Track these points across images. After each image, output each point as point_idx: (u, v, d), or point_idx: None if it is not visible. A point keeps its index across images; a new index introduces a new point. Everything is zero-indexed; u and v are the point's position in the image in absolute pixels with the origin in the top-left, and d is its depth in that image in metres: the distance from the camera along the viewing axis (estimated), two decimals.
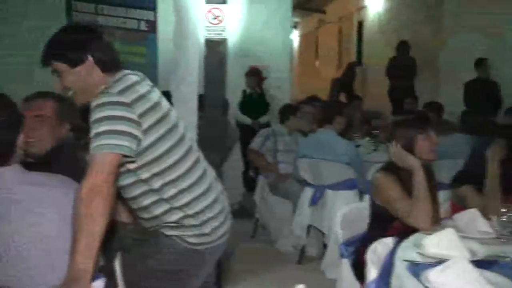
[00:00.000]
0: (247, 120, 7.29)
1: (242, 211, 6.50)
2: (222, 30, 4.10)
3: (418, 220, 2.67)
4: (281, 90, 7.82)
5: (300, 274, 4.76)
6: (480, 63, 8.17)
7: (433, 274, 1.89)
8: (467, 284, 1.81)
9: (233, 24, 7.62)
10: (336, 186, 4.72)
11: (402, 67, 9.19)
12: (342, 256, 2.95)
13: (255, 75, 7.46)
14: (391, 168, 2.91)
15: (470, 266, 1.88)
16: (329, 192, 4.78)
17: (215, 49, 4.12)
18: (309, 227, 4.98)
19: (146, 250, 2.31)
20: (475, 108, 7.52)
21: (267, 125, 6.56)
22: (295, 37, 21.26)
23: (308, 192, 4.93)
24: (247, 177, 6.79)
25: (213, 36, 4.11)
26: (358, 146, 5.64)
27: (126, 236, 2.47)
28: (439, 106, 6.60)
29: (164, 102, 2.24)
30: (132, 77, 2.17)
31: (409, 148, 2.87)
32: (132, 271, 2.28)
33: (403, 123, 2.97)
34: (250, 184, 6.70)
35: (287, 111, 5.94)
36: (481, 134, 3.37)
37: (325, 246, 4.83)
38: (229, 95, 7.62)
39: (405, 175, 2.83)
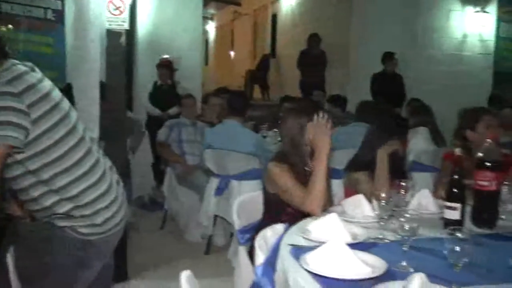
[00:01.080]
0: (156, 111, 7.28)
1: (152, 204, 6.49)
2: (124, 21, 4.04)
3: (313, 207, 2.78)
4: (192, 81, 7.84)
5: (207, 263, 4.82)
6: (387, 57, 8.48)
7: (310, 256, 1.98)
8: (341, 264, 1.91)
9: (143, 15, 7.56)
10: (241, 176, 4.79)
11: (313, 59, 9.40)
12: (239, 243, 3.03)
13: (166, 67, 7.44)
14: (282, 156, 3.00)
15: (346, 248, 1.98)
16: (234, 182, 4.85)
17: (116, 40, 4.06)
18: (216, 217, 5.04)
19: (39, 242, 2.28)
20: (381, 98, 7.79)
21: (177, 117, 6.56)
22: (211, 29, 21.23)
23: (213, 183, 4.98)
24: (157, 169, 6.77)
25: (114, 27, 4.04)
26: (265, 137, 5.76)
27: (19, 229, 2.43)
28: (343, 99, 6.87)
29: (56, 92, 2.22)
30: (20, 67, 2.14)
31: (302, 134, 2.97)
32: (25, 263, 2.25)
33: (294, 110, 3.08)
34: (161, 176, 6.70)
35: (183, 100, 6.03)
36: (374, 123, 3.52)
37: (231, 235, 4.90)
38: (140, 87, 7.57)
39: (297, 162, 2.93)
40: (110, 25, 4.01)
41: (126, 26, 4.06)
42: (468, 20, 9.61)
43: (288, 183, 2.89)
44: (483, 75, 9.76)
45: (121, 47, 4.09)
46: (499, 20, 9.93)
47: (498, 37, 9.97)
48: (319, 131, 2.89)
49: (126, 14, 4.03)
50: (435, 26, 9.45)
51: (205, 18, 19.20)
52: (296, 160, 2.97)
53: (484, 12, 9.64)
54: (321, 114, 2.93)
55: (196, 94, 7.09)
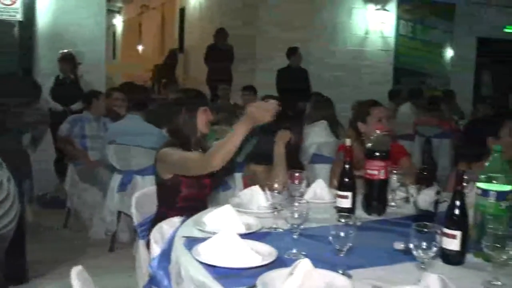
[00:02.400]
0: (58, 107, 7.05)
1: (55, 201, 6.30)
2: (16, 12, 3.91)
3: (215, 159, 2.69)
4: (96, 76, 7.66)
5: (112, 260, 4.76)
6: (291, 51, 8.65)
7: (202, 247, 2.01)
8: (232, 254, 1.95)
9: (43, 6, 7.28)
10: (144, 171, 4.75)
11: (220, 54, 9.42)
12: (138, 237, 3.01)
13: (68, 60, 7.21)
14: (173, 143, 3.02)
15: (237, 238, 2.02)
16: (137, 178, 4.81)
17: (8, 31, 3.91)
18: (120, 213, 4.97)
19: None
20: (286, 93, 7.93)
21: (81, 112, 6.40)
22: (118, 22, 20.82)
23: (117, 178, 4.92)
24: (60, 166, 6.57)
25: (5, 17, 3.90)
26: None
27: None
28: (255, 90, 7.05)
29: None
30: None
31: (193, 121, 3.00)
32: None
33: (180, 100, 3.12)
34: (63, 173, 6.51)
35: (90, 97, 5.88)
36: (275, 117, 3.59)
37: (135, 231, 4.85)
38: (40, 80, 7.30)
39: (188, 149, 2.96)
40: (1, 15, 3.86)
41: (19, 17, 3.92)
42: (369, 17, 9.97)
43: (182, 154, 2.89)
44: (384, 71, 10.16)
45: (14, 38, 3.94)
46: (399, 18, 10.36)
47: (398, 34, 10.40)
48: (263, 106, 2.81)
49: (18, 5, 3.89)
50: (338, 22, 9.74)
51: (112, 12, 18.82)
52: (186, 147, 3.00)
53: (385, 10, 10.03)
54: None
55: (100, 88, 6.94)
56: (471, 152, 3.48)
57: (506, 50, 11.11)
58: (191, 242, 2.13)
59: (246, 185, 3.18)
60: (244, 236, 2.16)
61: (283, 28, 9.16)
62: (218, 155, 2.68)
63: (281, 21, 9.22)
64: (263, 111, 2.75)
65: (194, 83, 11.28)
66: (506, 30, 11.41)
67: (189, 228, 2.37)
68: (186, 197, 2.92)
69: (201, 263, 1.92)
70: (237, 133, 2.69)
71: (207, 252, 1.97)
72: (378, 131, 2.81)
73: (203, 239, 2.12)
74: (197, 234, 2.28)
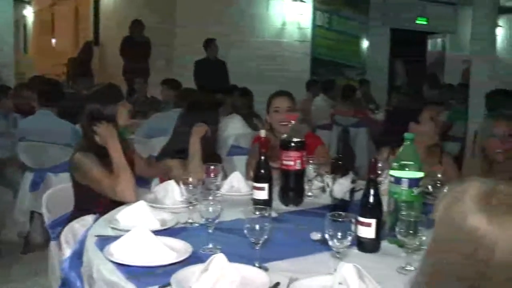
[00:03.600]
0: None
1: None
2: None
3: (125, 194, 2.71)
4: (4, 70, 7.33)
5: (24, 263, 4.55)
6: (208, 43, 8.58)
7: (114, 246, 1.93)
8: (146, 251, 1.89)
9: None
10: (58, 169, 4.56)
11: (136, 46, 9.21)
12: (50, 238, 2.88)
13: None
14: (88, 146, 2.89)
15: (150, 235, 1.96)
16: (50, 176, 4.61)
17: None
18: (33, 213, 4.76)
19: None
20: (204, 85, 7.87)
21: None
22: (29, 14, 19.99)
23: (28, 177, 4.70)
24: None
25: None
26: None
27: None
28: (178, 84, 6.97)
29: None
30: None
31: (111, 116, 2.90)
32: None
33: (91, 97, 3.01)
34: None
35: None
36: (190, 110, 3.52)
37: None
38: None
39: (103, 152, 2.84)
40: None
41: None
42: (286, 8, 10.03)
43: (97, 174, 2.78)
44: (302, 62, 10.27)
45: None
46: (315, 9, 10.48)
47: (314, 25, 10.52)
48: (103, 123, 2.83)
49: None
50: (256, 14, 9.75)
51: (22, 2, 18.02)
52: (100, 149, 2.88)
53: (301, 1, 10.12)
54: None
55: (9, 84, 6.63)
56: (392, 138, 3.54)
57: (418, 40, 11.50)
58: (104, 242, 2.05)
59: (162, 181, 3.10)
60: (158, 232, 2.11)
61: (201, 20, 9.07)
62: (126, 188, 2.73)
63: (199, 13, 9.12)
64: (105, 126, 2.84)
65: (110, 76, 10.99)
66: (418, 22, 11.80)
67: (102, 226, 2.28)
68: (105, 204, 2.77)
69: (114, 263, 1.85)
70: (115, 158, 2.80)
71: (119, 251, 1.90)
72: (292, 121, 2.82)
73: (115, 238, 2.04)
74: (110, 232, 2.20)
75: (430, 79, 9.89)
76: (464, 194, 1.16)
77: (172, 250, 1.94)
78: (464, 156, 5.80)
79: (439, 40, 13.15)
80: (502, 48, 11.45)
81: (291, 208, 2.72)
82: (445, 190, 2.38)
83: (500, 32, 11.18)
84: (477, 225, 1.10)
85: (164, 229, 2.23)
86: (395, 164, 2.21)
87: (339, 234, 1.82)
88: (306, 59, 10.41)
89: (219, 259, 1.67)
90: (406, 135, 2.27)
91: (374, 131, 7.56)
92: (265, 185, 2.60)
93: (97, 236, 2.14)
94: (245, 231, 1.87)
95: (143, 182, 3.92)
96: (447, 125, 7.33)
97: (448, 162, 3.29)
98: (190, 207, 2.38)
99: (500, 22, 10.73)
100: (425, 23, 11.91)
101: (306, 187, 2.88)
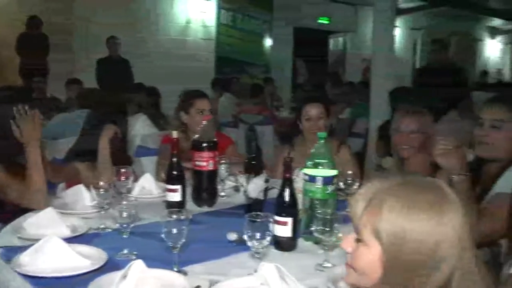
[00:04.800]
0: None
1: None
2: None
3: (35, 200, 2.59)
4: None
5: None
6: (110, 41, 8.36)
7: (23, 257, 1.83)
8: (57, 261, 1.80)
9: None
10: None
11: (33, 43, 8.80)
12: None
13: None
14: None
15: (61, 243, 1.87)
16: None
17: None
18: None
19: None
20: (107, 85, 7.65)
21: None
22: None
23: None
24: None
25: None
26: None
27: None
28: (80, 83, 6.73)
29: None
30: None
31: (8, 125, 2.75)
32: None
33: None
34: None
35: None
36: (98, 110, 3.41)
37: None
38: None
39: (7, 156, 2.69)
40: None
41: None
42: (190, 6, 9.97)
43: (5, 180, 2.64)
44: (206, 60, 10.24)
45: None
46: (220, 7, 10.48)
47: (219, 23, 10.53)
48: (24, 123, 2.70)
49: None
50: (160, 11, 9.62)
51: None
52: (5, 153, 2.73)
53: None
54: (21, 106, 2.75)
55: None
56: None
57: (320, 39, 11.79)
58: (10, 252, 1.93)
59: (70, 184, 2.98)
60: (69, 240, 2.02)
61: (103, 17, 8.83)
62: (36, 195, 2.63)
63: (102, 10, 8.87)
64: (27, 127, 2.74)
65: (6, 76, 10.46)
66: (320, 21, 12.10)
67: (8, 236, 2.15)
68: (13, 211, 2.61)
69: (23, 275, 1.75)
70: (30, 163, 2.68)
71: (29, 262, 1.80)
72: (204, 122, 2.79)
73: (24, 248, 1.92)
74: (17, 242, 2.08)
75: (332, 77, 10.15)
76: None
77: (86, 258, 1.87)
78: (366, 152, 5.98)
79: (340, 39, 13.54)
80: (399, 48, 11.96)
81: (205, 209, 2.69)
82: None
83: (397, 32, 11.68)
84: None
85: (76, 236, 2.14)
86: (309, 162, 2.24)
87: (258, 234, 1.82)
88: (210, 58, 10.40)
89: (137, 265, 1.63)
90: (319, 134, 2.31)
91: (279, 129, 7.66)
92: (178, 187, 2.56)
93: (3, 247, 2.02)
94: (163, 235, 1.82)
95: (47, 187, 3.76)
96: (350, 122, 7.57)
97: (345, 153, 3.35)
98: (102, 212, 2.29)
99: (397, 22, 11.21)
100: (327, 22, 12.23)
101: (219, 187, 2.86)
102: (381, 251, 1.21)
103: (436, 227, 1.18)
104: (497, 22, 16.06)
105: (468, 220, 1.22)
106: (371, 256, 1.23)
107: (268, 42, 11.59)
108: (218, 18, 10.51)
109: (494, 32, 16.93)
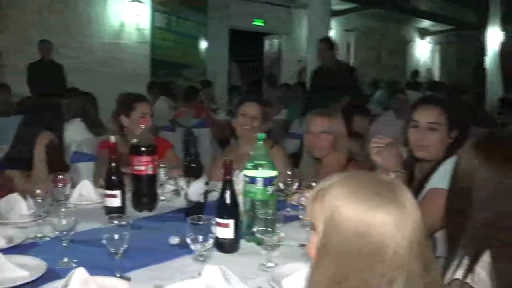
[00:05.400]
0: None
1: None
2: None
3: None
4: None
5: None
6: (41, 45, 8.14)
7: None
8: None
9: None
10: None
11: None
12: None
13: None
14: None
15: None
16: None
17: None
18: None
19: None
20: (39, 90, 7.44)
21: None
22: None
23: None
24: None
25: None
26: None
27: None
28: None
29: None
30: None
31: None
32: None
33: None
34: None
35: None
36: (33, 116, 3.30)
37: None
38: None
39: None
40: None
41: None
42: (124, 9, 9.83)
43: None
44: (141, 63, 10.13)
45: None
46: (154, 10, 10.38)
47: (153, 26, 10.42)
48: None
49: None
50: (93, 14, 9.44)
51: None
52: None
53: (139, 1, 9.97)
54: None
55: None
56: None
57: (255, 41, 11.86)
58: None
59: (1, 194, 2.88)
60: (5, 250, 1.96)
61: (34, 20, 8.59)
62: None
63: (32, 14, 8.63)
64: None
65: None
66: (255, 23, 12.17)
67: None
68: None
69: None
70: None
71: None
72: (143, 126, 2.77)
73: None
74: None
75: (268, 79, 10.25)
76: None
77: (24, 268, 1.81)
78: (303, 152, 6.05)
79: (275, 41, 13.65)
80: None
81: (146, 214, 2.67)
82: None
83: (331, 34, 11.91)
84: None
85: (12, 247, 2.08)
86: (249, 164, 2.26)
87: (201, 237, 1.82)
88: (146, 61, 10.28)
89: (79, 273, 1.60)
90: (259, 135, 2.33)
91: (215, 132, 7.67)
92: (118, 192, 2.53)
93: None
94: (104, 241, 1.80)
95: None
96: (286, 122, 7.67)
97: (276, 153, 3.33)
98: (39, 221, 2.24)
99: (331, 24, 11.42)
100: (262, 24, 12.31)
101: (159, 191, 2.85)
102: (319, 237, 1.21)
103: (369, 215, 1.16)
104: (426, 23, 16.63)
105: (415, 217, 1.20)
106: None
107: (203, 44, 11.56)
108: (153, 21, 10.39)
109: (423, 33, 17.52)
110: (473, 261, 1.52)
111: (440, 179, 2.33)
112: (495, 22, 8.99)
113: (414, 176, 2.59)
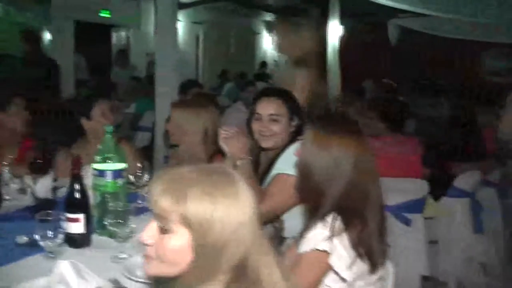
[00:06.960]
0: None
1: None
2: None
3: None
4: None
5: None
6: None
7: None
8: None
9: None
10: None
11: None
12: None
13: None
14: None
15: None
16: None
17: None
18: None
19: None
20: None
21: None
22: None
23: None
24: None
25: None
26: None
27: None
28: None
29: None
30: None
31: None
32: None
33: None
34: None
35: None
36: None
37: None
38: None
39: None
40: None
41: None
42: None
43: None
44: None
45: None
46: None
47: None
48: None
49: None
50: None
51: None
52: None
53: None
54: None
55: None
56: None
57: (102, 33, 11.53)
58: None
59: None
60: None
61: None
62: None
63: None
64: None
65: None
66: (101, 15, 11.82)
67: None
68: None
69: None
70: None
71: None
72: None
73: None
74: None
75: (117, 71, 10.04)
76: None
77: None
78: (154, 144, 6.02)
79: (123, 33, 13.35)
80: (182, 41, 12.18)
81: None
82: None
83: (179, 26, 11.90)
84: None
85: None
86: (98, 157, 2.25)
87: (50, 233, 1.80)
88: None
89: (67, 265, 1.53)
90: (106, 128, 2.33)
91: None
92: None
93: None
94: None
95: None
96: (137, 116, 7.59)
97: (125, 147, 3.30)
98: None
99: (179, 16, 11.40)
100: (108, 16, 11.98)
101: (3, 191, 2.73)
102: (190, 236, 1.24)
103: (235, 208, 1.24)
104: (272, 16, 17.15)
105: (254, 201, 1.29)
106: (179, 243, 1.25)
107: (47, 36, 11.03)
108: None
109: (270, 26, 18.06)
110: (331, 231, 1.71)
111: (284, 164, 2.49)
112: (335, 16, 9.53)
113: (260, 163, 2.73)
